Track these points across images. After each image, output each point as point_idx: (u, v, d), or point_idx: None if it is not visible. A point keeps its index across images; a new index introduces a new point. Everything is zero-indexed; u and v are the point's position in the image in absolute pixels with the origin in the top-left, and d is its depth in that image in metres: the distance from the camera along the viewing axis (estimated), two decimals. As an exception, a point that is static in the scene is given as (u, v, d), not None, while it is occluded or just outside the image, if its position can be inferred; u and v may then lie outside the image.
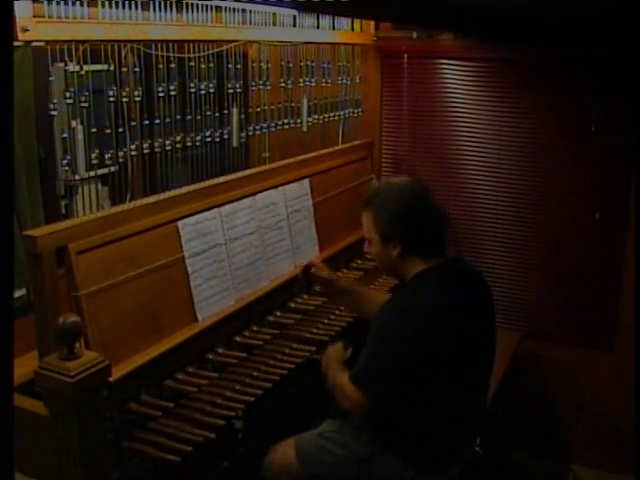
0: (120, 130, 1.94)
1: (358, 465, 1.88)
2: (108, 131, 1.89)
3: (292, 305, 2.40)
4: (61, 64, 1.74)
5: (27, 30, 1.57)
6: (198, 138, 2.21)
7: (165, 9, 1.95)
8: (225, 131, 2.34)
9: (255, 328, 2.20)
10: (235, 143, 2.39)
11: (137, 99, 1.96)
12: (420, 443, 1.82)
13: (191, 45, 2.12)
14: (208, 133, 2.24)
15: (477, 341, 1.84)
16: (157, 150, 2.07)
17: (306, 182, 2.60)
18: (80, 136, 1.83)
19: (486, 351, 1.90)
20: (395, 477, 1.84)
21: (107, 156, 1.90)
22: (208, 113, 2.22)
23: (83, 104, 1.79)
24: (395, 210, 1.78)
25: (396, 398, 1.77)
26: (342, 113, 3.00)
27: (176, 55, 2.06)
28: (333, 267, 2.70)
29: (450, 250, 1.91)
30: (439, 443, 1.83)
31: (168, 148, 2.10)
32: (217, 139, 2.30)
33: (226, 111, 2.33)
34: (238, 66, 2.32)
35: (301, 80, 2.69)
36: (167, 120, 2.08)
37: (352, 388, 1.78)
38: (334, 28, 2.80)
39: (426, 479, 1.85)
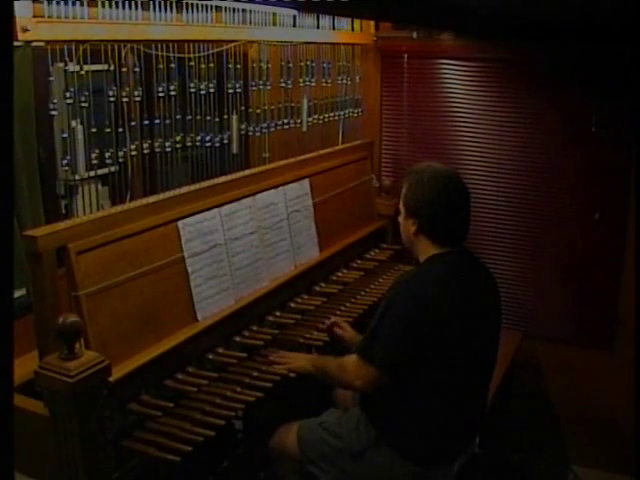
0: (120, 130, 1.94)
1: (352, 457, 1.91)
2: (108, 131, 1.89)
3: (292, 305, 2.40)
4: (61, 64, 1.74)
5: (27, 30, 1.57)
6: (198, 138, 2.21)
7: (165, 9, 1.95)
8: (225, 132, 2.33)
9: (255, 328, 2.20)
10: (235, 150, 2.39)
11: (137, 99, 1.96)
12: (420, 435, 1.83)
13: (191, 45, 2.12)
14: (208, 137, 2.24)
15: (479, 329, 1.86)
16: (157, 150, 2.07)
17: (306, 182, 2.60)
18: (80, 136, 1.83)
19: (488, 342, 1.92)
20: (393, 471, 1.85)
21: (107, 156, 1.90)
22: (208, 115, 2.22)
23: (83, 104, 1.79)
24: (422, 190, 1.87)
25: (405, 372, 1.79)
26: (342, 113, 3.00)
27: (176, 55, 2.06)
28: (333, 267, 2.71)
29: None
30: (438, 435, 1.84)
31: (168, 148, 2.10)
32: (217, 144, 2.30)
33: (226, 111, 2.32)
34: (238, 66, 2.32)
35: (301, 80, 2.69)
36: (167, 120, 2.08)
37: (361, 363, 1.82)
38: (334, 28, 2.80)
39: (426, 472, 1.86)
